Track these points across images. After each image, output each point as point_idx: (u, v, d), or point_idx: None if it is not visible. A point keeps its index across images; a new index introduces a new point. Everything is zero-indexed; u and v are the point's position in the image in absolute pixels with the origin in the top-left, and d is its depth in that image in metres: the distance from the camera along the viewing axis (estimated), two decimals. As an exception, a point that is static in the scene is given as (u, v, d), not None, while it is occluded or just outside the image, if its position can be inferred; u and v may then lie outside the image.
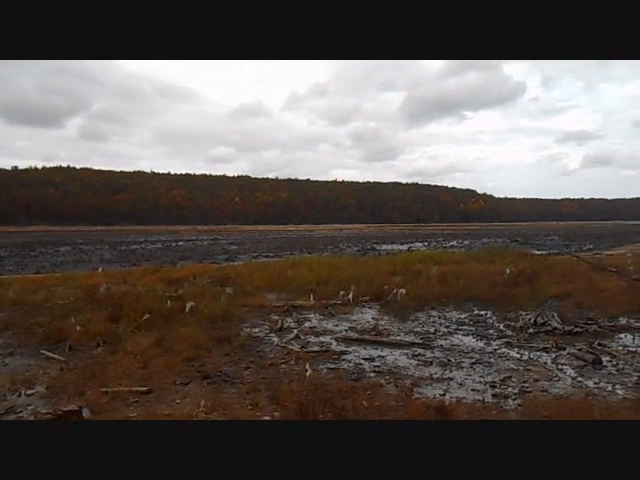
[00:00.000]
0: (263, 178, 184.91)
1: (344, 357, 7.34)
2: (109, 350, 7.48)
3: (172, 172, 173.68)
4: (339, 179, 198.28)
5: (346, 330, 9.07)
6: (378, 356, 7.37)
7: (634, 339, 8.22)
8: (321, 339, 8.41)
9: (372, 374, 6.47)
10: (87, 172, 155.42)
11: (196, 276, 16.08)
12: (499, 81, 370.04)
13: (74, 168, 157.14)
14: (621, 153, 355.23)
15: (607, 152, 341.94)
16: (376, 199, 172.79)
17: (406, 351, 7.62)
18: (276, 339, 8.37)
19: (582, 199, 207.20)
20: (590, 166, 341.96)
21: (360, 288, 12.55)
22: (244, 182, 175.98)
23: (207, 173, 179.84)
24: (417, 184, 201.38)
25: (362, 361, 7.11)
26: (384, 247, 37.45)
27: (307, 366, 6.55)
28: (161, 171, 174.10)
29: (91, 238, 58.58)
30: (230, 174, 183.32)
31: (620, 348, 7.64)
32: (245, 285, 13.92)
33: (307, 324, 9.60)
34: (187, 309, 9.88)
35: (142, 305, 9.75)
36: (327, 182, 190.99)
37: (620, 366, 6.75)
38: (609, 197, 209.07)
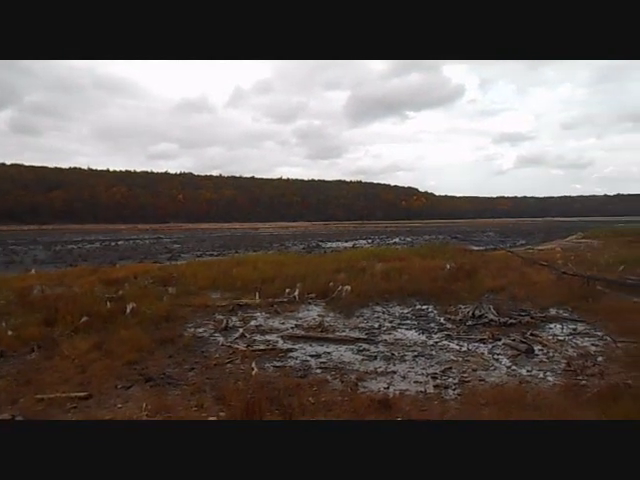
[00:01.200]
0: (207, 175, 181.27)
1: (290, 354, 7.36)
2: (44, 355, 7.12)
3: (111, 169, 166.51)
4: (284, 177, 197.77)
5: (292, 328, 9.08)
6: (324, 352, 7.44)
7: (562, 328, 8.75)
8: (267, 337, 8.39)
9: (318, 370, 6.53)
10: (18, 168, 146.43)
11: (137, 276, 15.56)
12: (440, 83, 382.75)
13: (3, 164, 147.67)
14: (551, 154, 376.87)
15: (538, 152, 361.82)
16: (321, 197, 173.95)
17: (351, 346, 7.74)
18: (221, 339, 8.27)
19: (516, 197, 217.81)
20: (523, 166, 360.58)
21: (306, 285, 12.60)
22: (187, 179, 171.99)
23: (148, 170, 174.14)
24: (361, 182, 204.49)
25: (308, 358, 7.16)
26: (329, 244, 37.78)
27: (253, 365, 6.51)
28: (99, 168, 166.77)
29: (23, 238, 55.30)
30: (173, 171, 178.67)
31: (550, 337, 8.11)
32: (189, 285, 13.62)
33: (253, 323, 9.53)
34: (128, 310, 9.55)
35: (79, 307, 9.34)
36: (272, 180, 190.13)
37: (550, 354, 7.17)
38: (540, 195, 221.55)
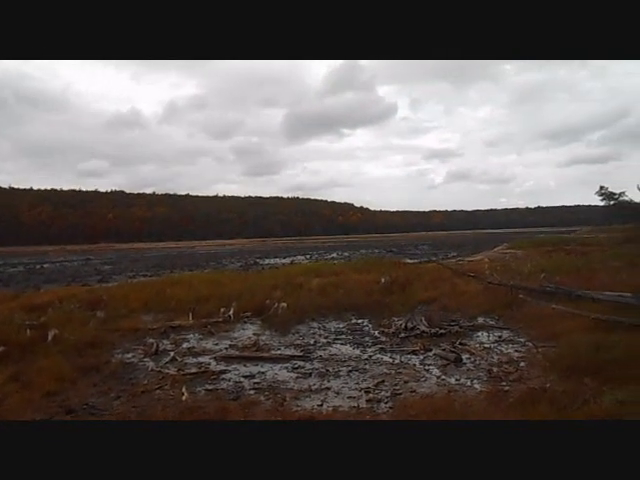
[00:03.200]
0: (139, 193, 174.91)
1: (223, 376, 7.20)
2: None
3: (35, 187, 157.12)
4: (220, 194, 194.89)
5: (226, 348, 8.91)
6: (258, 372, 7.34)
7: (489, 336, 9.15)
8: (200, 359, 8.16)
9: (252, 391, 6.42)
10: None
11: (63, 301, 14.64)
12: (374, 102, 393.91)
13: None
14: (477, 169, 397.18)
15: (465, 168, 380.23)
16: (259, 213, 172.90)
17: (286, 365, 7.69)
18: (151, 364, 7.95)
19: (447, 210, 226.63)
20: (452, 181, 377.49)
21: (242, 304, 12.41)
22: (118, 197, 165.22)
23: (77, 188, 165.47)
24: (298, 198, 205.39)
25: (242, 379, 7.03)
26: (267, 261, 37.53)
27: (183, 389, 6.31)
28: (22, 186, 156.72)
29: None
30: (103, 189, 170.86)
31: (477, 345, 8.45)
32: (119, 307, 13.01)
33: (185, 345, 9.26)
34: (50, 338, 8.98)
35: (-5, 337, 8.68)
36: (208, 197, 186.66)
37: (477, 362, 7.46)
38: (469, 209, 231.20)
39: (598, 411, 4.63)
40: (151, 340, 9.44)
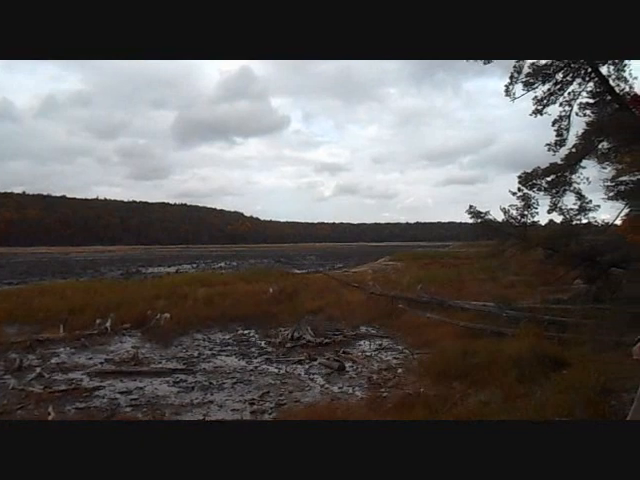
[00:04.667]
0: (6, 193, 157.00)
1: (97, 393, 6.69)
2: None
3: None
4: (101, 197, 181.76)
5: (101, 363, 8.31)
6: (136, 388, 6.93)
7: (370, 345, 9.57)
8: (70, 376, 7.51)
9: (128, 408, 6.05)
10: None
11: None
12: (267, 112, 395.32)
13: None
14: (364, 184, 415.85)
15: (353, 183, 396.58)
16: (143, 219, 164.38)
17: (167, 379, 7.36)
18: (13, 381, 7.14)
19: (334, 223, 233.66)
20: (341, 194, 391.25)
21: (121, 315, 11.67)
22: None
23: None
24: (186, 205, 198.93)
25: (117, 395, 6.59)
26: (150, 270, 35.70)
27: (50, 409, 5.75)
28: None
29: None
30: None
31: (359, 354, 8.79)
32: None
33: (54, 360, 8.46)
34: None
35: None
36: (87, 200, 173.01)
37: (359, 370, 7.76)
38: (355, 222, 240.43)
39: (465, 412, 5.04)
40: (14, 355, 8.49)
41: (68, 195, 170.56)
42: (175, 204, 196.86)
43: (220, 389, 6.81)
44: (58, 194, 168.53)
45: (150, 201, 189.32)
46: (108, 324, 10.86)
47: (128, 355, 8.69)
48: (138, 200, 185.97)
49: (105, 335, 10.43)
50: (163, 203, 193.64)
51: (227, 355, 8.84)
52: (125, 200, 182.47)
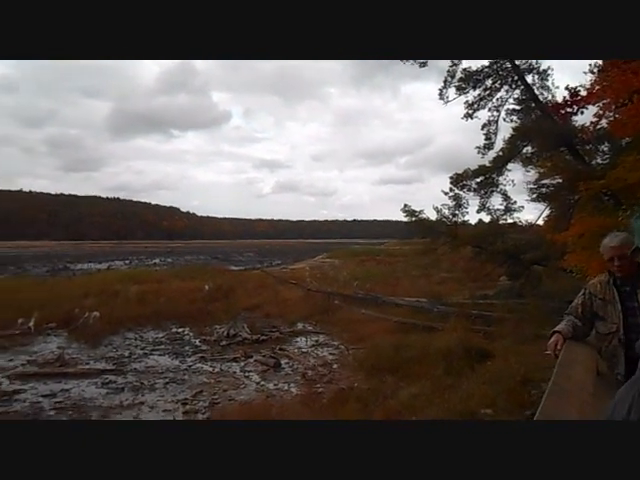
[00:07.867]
0: None
1: (17, 397, 6.31)
2: None
3: None
4: (26, 189, 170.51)
5: (23, 365, 7.84)
6: (61, 390, 6.60)
7: (307, 341, 9.63)
8: (-14, 379, 7.03)
9: (52, 412, 5.76)
10: None
11: None
12: (207, 107, 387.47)
13: None
14: (304, 182, 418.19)
15: (293, 180, 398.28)
16: (72, 213, 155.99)
17: (95, 380, 7.06)
18: None
19: (273, 220, 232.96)
20: (280, 191, 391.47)
21: (45, 314, 11.02)
22: None
23: None
24: (119, 199, 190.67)
25: (40, 399, 6.26)
26: (80, 266, 33.99)
27: (-38, 416, 5.36)
28: None
29: None
30: None
31: (295, 350, 8.84)
32: None
33: (-32, 363, 7.89)
34: None
35: None
36: (10, 192, 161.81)
37: (295, 366, 7.80)
38: (294, 219, 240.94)
39: (396, 405, 5.19)
40: None
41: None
42: (108, 198, 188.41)
43: (152, 389, 6.63)
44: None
45: (80, 194, 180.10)
46: (31, 323, 10.24)
47: (53, 356, 8.24)
48: (67, 193, 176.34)
49: (28, 335, 9.83)
50: (95, 197, 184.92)
51: (160, 354, 8.61)
52: (52, 193, 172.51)
